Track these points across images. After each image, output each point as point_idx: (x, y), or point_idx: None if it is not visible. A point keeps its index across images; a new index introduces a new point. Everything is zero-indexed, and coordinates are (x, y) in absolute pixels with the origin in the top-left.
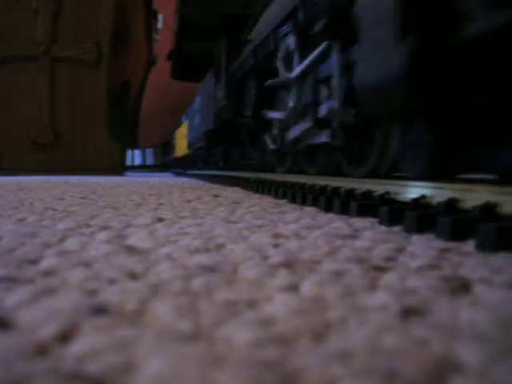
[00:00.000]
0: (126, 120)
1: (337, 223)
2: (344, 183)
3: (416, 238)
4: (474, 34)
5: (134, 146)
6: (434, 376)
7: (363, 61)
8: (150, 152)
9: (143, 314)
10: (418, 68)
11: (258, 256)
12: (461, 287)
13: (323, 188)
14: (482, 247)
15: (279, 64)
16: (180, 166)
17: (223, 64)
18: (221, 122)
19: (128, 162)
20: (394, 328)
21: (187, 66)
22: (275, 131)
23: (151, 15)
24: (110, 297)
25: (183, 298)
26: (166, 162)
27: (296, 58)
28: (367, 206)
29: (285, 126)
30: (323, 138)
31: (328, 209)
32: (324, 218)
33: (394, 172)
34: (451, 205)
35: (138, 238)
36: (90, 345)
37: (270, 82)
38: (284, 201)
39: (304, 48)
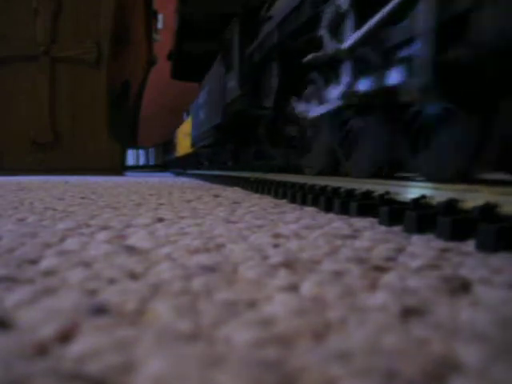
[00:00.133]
0: (125, 120)
1: (337, 223)
2: (344, 183)
3: (416, 238)
4: None
5: (138, 146)
6: (434, 376)
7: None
8: (152, 152)
9: (143, 314)
10: None
11: (257, 256)
12: (461, 287)
13: (323, 188)
14: (482, 247)
15: (324, 33)
16: (182, 166)
17: (236, 48)
18: (232, 115)
19: (133, 162)
20: (394, 328)
21: (187, 66)
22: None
23: (151, 15)
24: (110, 297)
25: (183, 297)
26: (167, 162)
27: (350, 23)
28: (367, 206)
29: (332, 117)
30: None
31: (328, 209)
32: (324, 217)
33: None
34: (451, 205)
35: (137, 238)
36: (90, 345)
37: (310, 56)
38: (284, 201)
39: (362, 7)
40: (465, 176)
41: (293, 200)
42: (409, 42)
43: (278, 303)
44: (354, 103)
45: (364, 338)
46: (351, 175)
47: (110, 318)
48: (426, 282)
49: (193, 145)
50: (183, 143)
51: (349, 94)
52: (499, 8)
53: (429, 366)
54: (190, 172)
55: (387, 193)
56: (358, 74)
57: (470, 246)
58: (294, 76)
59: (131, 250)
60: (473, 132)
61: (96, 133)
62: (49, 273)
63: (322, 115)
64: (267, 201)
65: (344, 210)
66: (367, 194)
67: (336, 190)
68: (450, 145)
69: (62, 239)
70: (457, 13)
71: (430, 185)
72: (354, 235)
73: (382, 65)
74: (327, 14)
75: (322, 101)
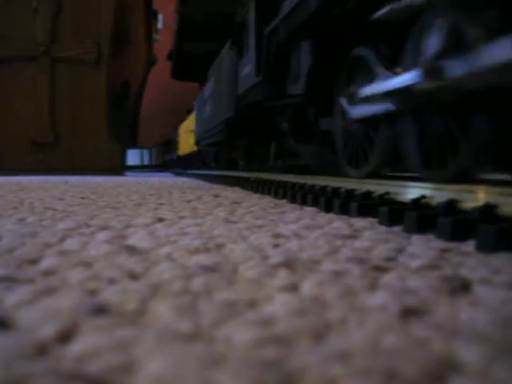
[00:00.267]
0: (126, 120)
1: (337, 223)
2: (344, 183)
3: (416, 238)
4: None
5: (143, 146)
6: (434, 376)
7: None
8: (154, 151)
9: (143, 314)
10: None
11: (257, 256)
12: (461, 287)
13: (323, 188)
14: (482, 248)
15: None
16: (184, 166)
17: (253, 27)
18: (246, 107)
19: (139, 162)
20: (394, 328)
21: (187, 66)
22: None
23: (151, 15)
24: (110, 297)
25: (183, 297)
26: (168, 162)
27: None
28: (367, 206)
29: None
30: None
31: (328, 209)
32: (324, 218)
33: None
34: (451, 205)
35: (137, 238)
36: (89, 345)
37: (386, 9)
38: (284, 201)
39: None
40: None
41: (293, 200)
42: None
43: (278, 303)
44: (443, 88)
45: (364, 338)
46: (429, 180)
47: (110, 318)
48: (426, 282)
49: (197, 142)
50: (187, 141)
51: (436, 70)
52: None
53: (429, 366)
54: (190, 172)
55: (387, 193)
56: (450, 44)
57: (469, 246)
58: (334, 54)
59: (131, 249)
60: None
61: (96, 133)
62: (49, 273)
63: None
64: (267, 201)
65: (344, 210)
66: (367, 194)
67: (336, 190)
68: None
69: (62, 239)
70: None
71: (429, 185)
72: (354, 235)
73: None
74: None
75: (377, 87)
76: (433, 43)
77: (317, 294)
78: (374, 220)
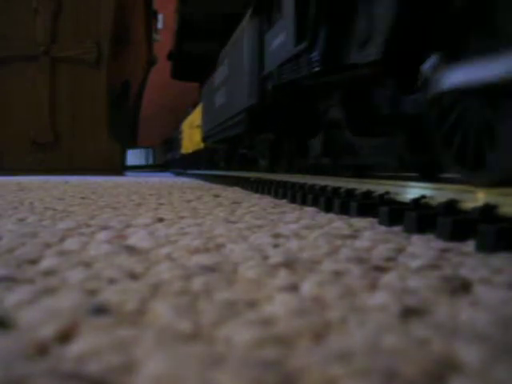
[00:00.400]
0: (126, 120)
1: (337, 223)
2: (344, 183)
3: (416, 238)
4: None
5: (147, 146)
6: (434, 376)
7: None
8: (155, 151)
9: (143, 314)
10: None
11: (258, 256)
12: (461, 287)
13: (323, 188)
14: (482, 248)
15: None
16: (189, 166)
17: None
18: (275, 90)
19: (138, 161)
20: (394, 328)
21: (187, 66)
22: None
23: (151, 15)
24: (110, 297)
25: (183, 298)
26: (170, 162)
27: None
28: (367, 206)
29: None
30: None
31: (328, 209)
32: (324, 218)
33: None
34: (451, 205)
35: (138, 238)
36: (89, 345)
37: None
38: (284, 201)
39: None
40: None
41: (293, 200)
42: None
43: (278, 303)
44: None
45: (364, 338)
46: None
47: (109, 318)
48: (426, 282)
49: (205, 139)
50: (190, 138)
51: None
52: None
53: (429, 365)
54: (189, 172)
55: (387, 193)
56: None
57: (469, 246)
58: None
59: (131, 250)
60: None
61: (96, 133)
62: (49, 273)
63: None
64: (267, 201)
65: (344, 210)
66: (367, 194)
67: (336, 190)
68: None
69: (62, 239)
70: None
71: (429, 185)
72: (354, 235)
73: None
74: None
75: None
76: None
77: (317, 294)
78: (374, 220)
